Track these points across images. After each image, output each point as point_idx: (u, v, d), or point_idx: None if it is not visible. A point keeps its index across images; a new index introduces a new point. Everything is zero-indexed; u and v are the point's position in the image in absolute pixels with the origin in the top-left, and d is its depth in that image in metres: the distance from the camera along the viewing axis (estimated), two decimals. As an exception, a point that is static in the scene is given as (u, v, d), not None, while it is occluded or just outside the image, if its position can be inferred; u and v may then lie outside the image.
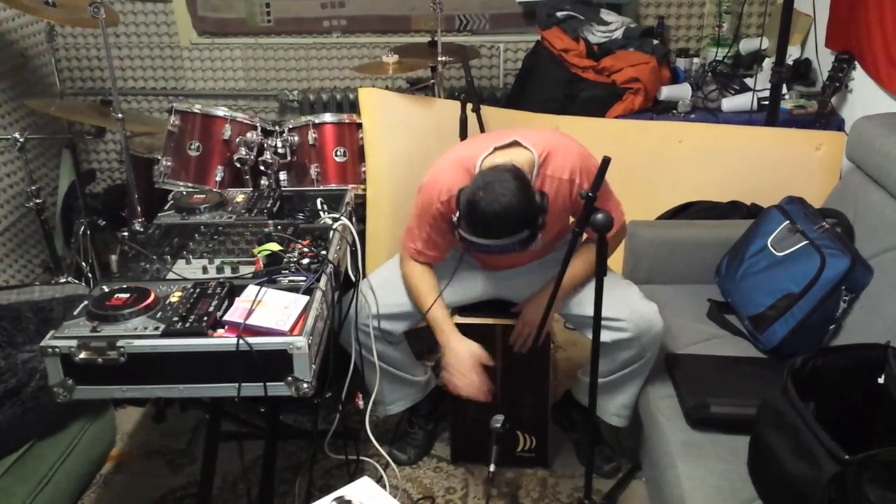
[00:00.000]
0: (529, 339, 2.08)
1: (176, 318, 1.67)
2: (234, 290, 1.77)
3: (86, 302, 1.74)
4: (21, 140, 2.71)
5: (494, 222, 1.78)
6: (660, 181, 2.89)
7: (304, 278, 1.83)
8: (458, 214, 1.84)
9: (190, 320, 1.65)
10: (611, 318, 1.97)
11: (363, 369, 2.17)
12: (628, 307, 2.02)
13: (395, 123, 2.78)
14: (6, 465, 1.75)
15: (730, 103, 3.15)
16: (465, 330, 2.10)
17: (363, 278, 2.14)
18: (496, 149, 1.94)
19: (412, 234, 2.08)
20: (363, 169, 2.73)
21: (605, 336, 1.96)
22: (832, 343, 2.06)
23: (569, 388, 2.39)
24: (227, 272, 1.88)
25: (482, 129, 2.82)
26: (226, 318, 1.67)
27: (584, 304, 2.06)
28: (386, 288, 2.14)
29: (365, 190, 2.71)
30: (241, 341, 1.61)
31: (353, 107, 3.50)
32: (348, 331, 2.10)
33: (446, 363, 2.05)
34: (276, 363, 1.63)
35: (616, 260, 2.39)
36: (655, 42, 3.33)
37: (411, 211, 2.08)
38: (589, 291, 1.87)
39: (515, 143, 1.95)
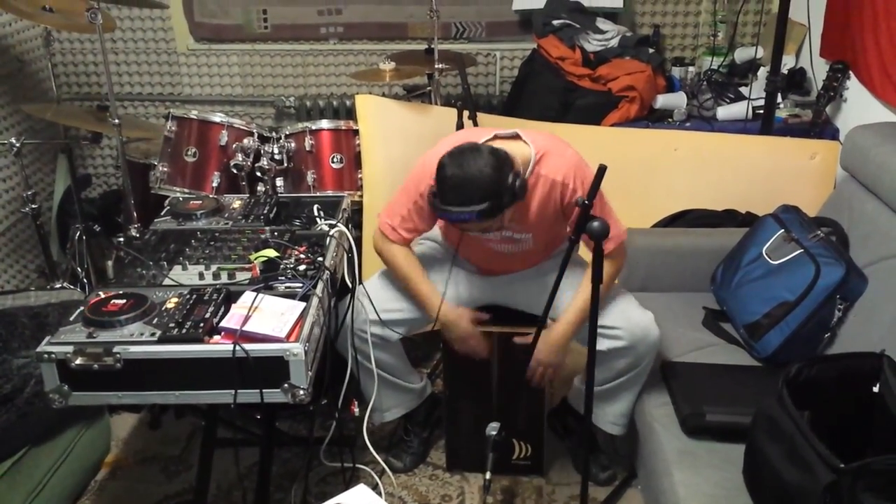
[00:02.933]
0: (544, 377, 2.10)
1: (172, 325, 1.66)
2: (230, 297, 1.77)
3: (82, 308, 1.74)
4: (17, 145, 2.71)
5: (458, 185, 1.79)
6: (655, 189, 2.89)
7: (300, 285, 1.83)
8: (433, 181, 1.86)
9: (186, 326, 1.65)
10: (606, 327, 1.98)
11: (359, 376, 2.17)
12: (624, 316, 2.03)
13: (391, 130, 2.78)
14: (1, 470, 1.74)
15: (725, 112, 3.17)
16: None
17: (359, 284, 2.14)
18: (497, 136, 1.95)
19: (392, 209, 2.09)
20: (360, 175, 2.74)
21: (601, 344, 1.97)
22: (827, 351, 2.07)
23: (565, 396, 2.39)
24: (224, 278, 1.89)
25: (479, 137, 2.82)
26: (222, 324, 1.67)
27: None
28: (382, 294, 2.14)
29: (361, 196, 2.72)
30: (237, 348, 1.61)
31: (350, 113, 3.50)
32: (345, 337, 2.10)
33: (445, 335, 2.12)
34: (273, 370, 1.63)
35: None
36: (651, 51, 3.35)
37: (399, 187, 2.09)
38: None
39: (517, 136, 1.97)
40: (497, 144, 1.91)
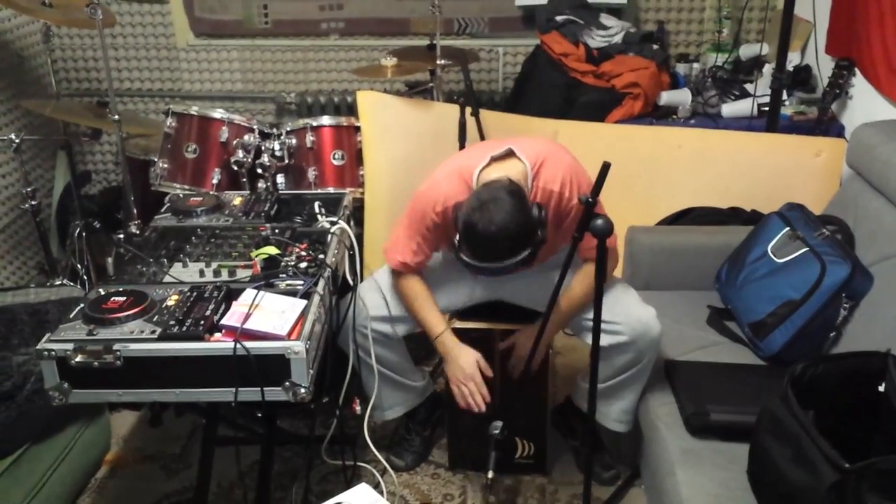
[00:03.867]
0: (521, 364, 2.08)
1: (172, 322, 1.66)
2: (231, 294, 1.76)
3: (82, 305, 1.73)
4: (17, 141, 2.70)
5: (493, 243, 1.77)
6: (659, 187, 2.88)
7: (301, 282, 1.82)
8: (458, 238, 1.83)
9: (187, 324, 1.65)
10: (607, 322, 1.96)
11: (361, 373, 2.16)
12: (625, 311, 2.02)
13: (393, 127, 2.77)
14: (1, 469, 1.74)
15: (730, 109, 3.15)
16: (462, 335, 2.10)
17: (361, 282, 2.13)
18: (493, 159, 1.93)
19: (397, 244, 2.05)
20: (361, 172, 2.73)
21: (602, 340, 1.95)
22: (832, 351, 2.06)
23: (569, 395, 2.38)
24: (225, 276, 1.87)
25: (481, 133, 2.81)
26: (223, 322, 1.66)
27: (581, 307, 2.05)
28: (384, 291, 2.13)
29: (363, 193, 2.70)
30: (238, 345, 1.60)
31: (352, 110, 3.49)
32: (346, 335, 2.09)
33: (450, 374, 2.08)
34: (274, 368, 1.62)
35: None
36: (655, 47, 3.33)
37: (401, 220, 2.06)
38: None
39: (511, 154, 1.94)
40: (493, 171, 1.90)
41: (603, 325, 1.89)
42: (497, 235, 1.75)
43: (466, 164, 1.95)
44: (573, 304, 2.04)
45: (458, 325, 2.17)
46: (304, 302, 1.74)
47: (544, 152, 1.95)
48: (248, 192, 2.55)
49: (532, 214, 1.79)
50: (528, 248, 1.79)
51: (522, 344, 2.09)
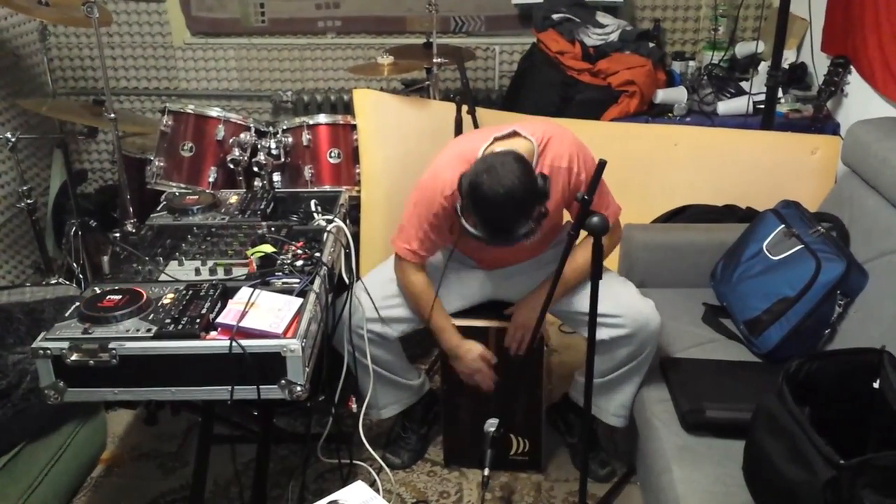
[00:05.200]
0: (524, 342, 2.07)
1: (168, 321, 1.65)
2: (227, 292, 1.76)
3: (77, 303, 1.73)
4: (12, 140, 2.70)
5: (499, 206, 1.75)
6: (655, 184, 2.88)
7: (297, 280, 1.82)
8: (460, 203, 1.83)
9: (182, 322, 1.64)
10: (607, 315, 1.97)
11: (356, 372, 2.16)
12: (625, 303, 2.02)
13: (389, 125, 2.77)
14: (-4, 467, 1.73)
15: (725, 107, 3.15)
16: (459, 332, 2.12)
17: (357, 280, 2.13)
18: (496, 139, 1.93)
19: (406, 232, 2.04)
20: (357, 170, 2.73)
21: (603, 333, 1.96)
22: (827, 347, 2.06)
23: (566, 392, 2.38)
24: (220, 274, 1.87)
25: (477, 132, 2.81)
26: (219, 320, 1.66)
27: (580, 301, 2.05)
28: (380, 291, 2.13)
29: (359, 192, 2.70)
30: (234, 344, 1.60)
31: (348, 108, 3.49)
32: (342, 333, 2.09)
33: (458, 369, 2.13)
34: (270, 366, 1.62)
35: (611, 262, 2.38)
36: (651, 45, 3.33)
37: (406, 209, 2.05)
38: (585, 288, 1.87)
39: (515, 134, 1.95)
40: (497, 146, 1.90)
41: (603, 319, 1.90)
42: (504, 197, 1.74)
43: (469, 146, 1.95)
44: (578, 271, 2.00)
45: (456, 322, 2.17)
46: (300, 300, 1.74)
47: (549, 131, 1.96)
48: (245, 190, 2.55)
49: (537, 181, 1.79)
50: (533, 216, 1.79)
51: (523, 320, 2.08)
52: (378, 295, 2.10)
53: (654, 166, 2.91)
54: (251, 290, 1.73)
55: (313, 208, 2.21)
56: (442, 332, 2.11)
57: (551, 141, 1.94)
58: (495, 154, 1.83)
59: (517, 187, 1.74)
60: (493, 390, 2.13)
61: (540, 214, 1.81)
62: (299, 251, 1.95)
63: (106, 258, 2.38)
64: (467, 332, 2.14)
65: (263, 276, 1.84)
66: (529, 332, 2.03)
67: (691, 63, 3.47)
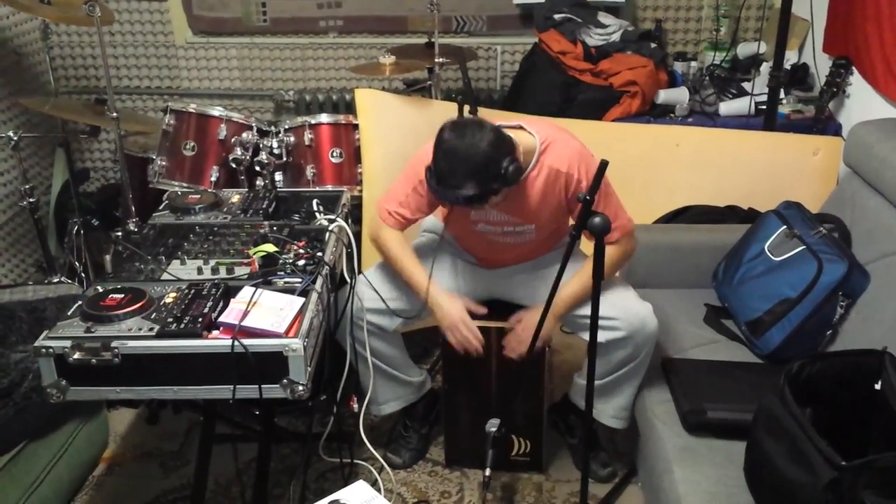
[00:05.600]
0: (524, 345, 2.07)
1: (170, 320, 1.66)
2: (229, 292, 1.76)
3: (80, 302, 1.73)
4: (15, 138, 2.70)
5: (454, 159, 1.79)
6: (657, 185, 2.88)
7: (299, 280, 1.83)
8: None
9: (184, 321, 1.65)
10: (604, 318, 1.97)
11: (358, 367, 2.16)
12: (622, 306, 2.02)
13: (391, 125, 2.77)
14: (-2, 466, 1.74)
15: (727, 107, 3.15)
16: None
17: (359, 275, 2.13)
18: (501, 128, 1.93)
19: (390, 195, 2.10)
20: (359, 170, 2.73)
21: (599, 336, 1.95)
22: (829, 349, 2.06)
23: (567, 393, 2.38)
24: (223, 273, 1.87)
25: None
26: (221, 319, 1.66)
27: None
28: (383, 283, 2.13)
29: (361, 191, 2.70)
30: (236, 343, 1.60)
31: (350, 108, 3.49)
32: (344, 328, 2.09)
33: (441, 323, 2.09)
34: (272, 365, 1.62)
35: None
36: (653, 45, 3.33)
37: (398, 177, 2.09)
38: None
39: (520, 127, 1.96)
40: None
41: (600, 321, 1.89)
42: (458, 149, 1.78)
43: None
44: (576, 294, 2.02)
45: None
46: (302, 300, 1.75)
47: (555, 134, 1.97)
48: (247, 189, 2.55)
49: (504, 160, 1.80)
50: (483, 186, 1.79)
51: (530, 324, 2.06)
52: (378, 288, 2.11)
53: (655, 167, 2.91)
54: (253, 289, 1.74)
55: (315, 208, 2.21)
56: (422, 285, 2.07)
57: (554, 143, 1.94)
58: (480, 120, 1.85)
59: (476, 149, 1.77)
60: (480, 353, 2.09)
61: (492, 188, 1.81)
62: (301, 250, 1.95)
63: (108, 257, 2.38)
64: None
65: (265, 275, 1.84)
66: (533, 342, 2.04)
67: (693, 64, 3.47)
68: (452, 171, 1.80)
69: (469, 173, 1.79)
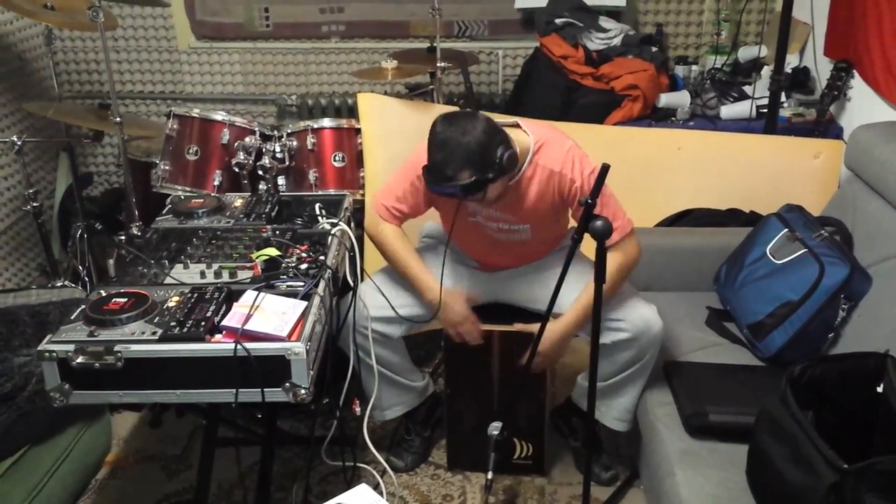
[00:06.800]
0: (551, 359, 2.10)
1: (173, 323, 1.66)
2: (232, 296, 1.77)
3: (83, 306, 1.74)
4: (19, 143, 2.71)
5: (447, 148, 1.80)
6: (658, 188, 2.88)
7: (302, 284, 1.83)
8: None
9: (187, 325, 1.65)
10: (610, 319, 1.97)
11: (361, 373, 2.16)
12: (627, 308, 2.02)
13: (393, 129, 2.77)
14: (1, 469, 1.74)
15: (728, 111, 3.16)
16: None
17: (363, 281, 2.14)
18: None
19: (387, 190, 2.11)
20: (362, 174, 2.73)
21: (604, 337, 1.96)
22: (831, 351, 2.06)
23: (569, 395, 2.38)
24: (225, 277, 1.88)
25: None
26: (223, 323, 1.66)
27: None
28: (389, 290, 2.13)
29: (363, 195, 2.71)
30: (238, 347, 1.60)
31: (352, 112, 3.50)
32: (347, 334, 2.09)
33: (444, 320, 2.10)
34: (274, 369, 1.63)
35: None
36: (654, 49, 3.33)
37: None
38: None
39: (517, 125, 1.98)
40: None
41: (605, 323, 1.90)
42: (453, 141, 1.78)
43: None
44: (589, 301, 2.00)
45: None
46: (305, 303, 1.75)
47: (549, 134, 1.98)
48: (249, 193, 2.56)
49: (498, 148, 1.81)
50: (479, 174, 1.79)
51: (548, 347, 2.03)
52: (381, 295, 2.11)
53: (657, 170, 2.91)
54: (256, 293, 1.74)
55: (318, 212, 2.21)
56: (421, 280, 2.08)
57: (548, 143, 1.95)
58: (473, 112, 1.86)
59: (470, 136, 1.78)
60: (483, 342, 2.12)
61: (485, 179, 1.81)
62: (304, 254, 1.96)
63: (111, 261, 2.40)
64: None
65: (268, 279, 1.84)
66: (547, 360, 2.08)
67: (694, 67, 3.48)
68: (446, 161, 1.81)
69: (463, 161, 1.79)
